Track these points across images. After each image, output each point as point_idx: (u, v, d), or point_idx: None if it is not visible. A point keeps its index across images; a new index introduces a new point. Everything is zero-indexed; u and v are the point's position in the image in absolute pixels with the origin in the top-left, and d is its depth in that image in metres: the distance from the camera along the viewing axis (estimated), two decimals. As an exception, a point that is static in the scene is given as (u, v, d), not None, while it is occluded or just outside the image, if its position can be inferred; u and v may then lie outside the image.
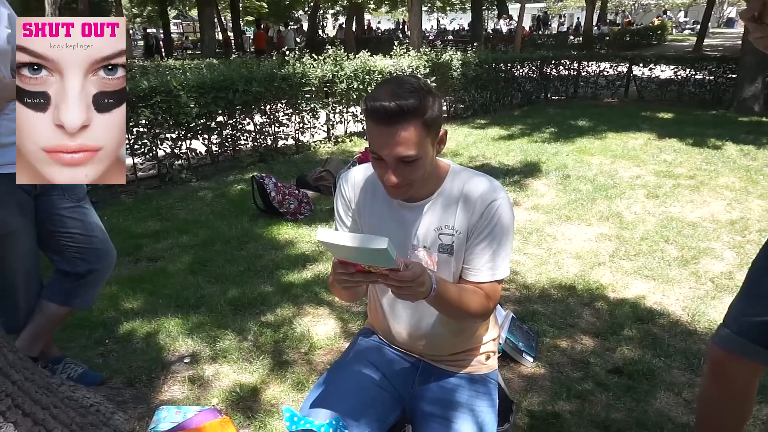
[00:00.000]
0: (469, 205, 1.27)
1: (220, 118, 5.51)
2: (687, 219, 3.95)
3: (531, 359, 2.28)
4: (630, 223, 3.90)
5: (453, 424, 1.30)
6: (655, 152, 6.01)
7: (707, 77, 9.74)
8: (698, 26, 21.28)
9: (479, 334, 1.45)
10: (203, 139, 5.44)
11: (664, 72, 10.24)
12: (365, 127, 1.16)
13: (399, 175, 1.17)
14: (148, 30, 25.32)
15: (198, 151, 5.43)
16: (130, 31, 31.03)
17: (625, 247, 3.47)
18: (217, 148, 5.63)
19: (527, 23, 26.61)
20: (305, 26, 29.04)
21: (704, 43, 19.17)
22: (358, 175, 1.39)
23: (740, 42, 10.76)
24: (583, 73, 10.73)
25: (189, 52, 22.41)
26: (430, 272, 1.14)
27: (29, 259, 1.82)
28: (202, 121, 5.28)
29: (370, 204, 1.36)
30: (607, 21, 29.03)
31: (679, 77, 9.99)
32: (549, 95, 10.49)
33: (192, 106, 5.02)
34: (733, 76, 9.20)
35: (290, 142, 6.36)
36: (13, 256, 1.76)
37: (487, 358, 1.47)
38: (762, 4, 1.10)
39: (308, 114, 6.36)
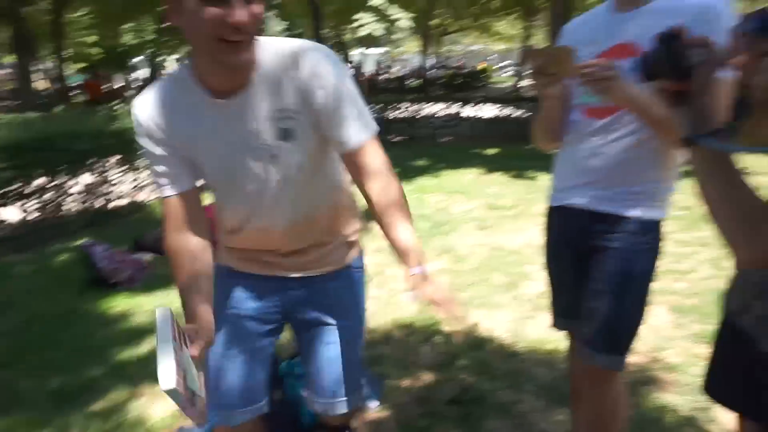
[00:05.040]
0: (297, 75, 1.13)
1: (38, 181, 4.98)
2: (510, 247, 4.43)
3: (376, 404, 2.36)
4: (463, 256, 4.26)
5: (328, 320, 1.47)
6: (483, 186, 6.67)
7: (524, 114, 11.13)
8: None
9: (336, 226, 1.49)
10: (19, 206, 4.86)
11: (491, 110, 11.50)
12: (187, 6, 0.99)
13: (245, 14, 0.98)
14: None
15: (7, 222, 4.81)
16: None
17: (459, 280, 3.78)
18: (37, 214, 5.06)
19: (370, 68, 28.15)
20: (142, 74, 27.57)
21: (522, 85, 21.86)
22: (151, 95, 1.18)
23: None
24: (422, 114, 11.62)
25: (6, 103, 19.86)
26: None
27: None
28: (17, 185, 4.73)
29: (181, 119, 1.17)
30: (442, 65, 31.74)
31: (503, 115, 11.29)
32: (391, 137, 11.13)
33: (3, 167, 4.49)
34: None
35: (125, 202, 5.94)
36: None
37: (350, 247, 1.53)
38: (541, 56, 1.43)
39: (145, 171, 6.02)
